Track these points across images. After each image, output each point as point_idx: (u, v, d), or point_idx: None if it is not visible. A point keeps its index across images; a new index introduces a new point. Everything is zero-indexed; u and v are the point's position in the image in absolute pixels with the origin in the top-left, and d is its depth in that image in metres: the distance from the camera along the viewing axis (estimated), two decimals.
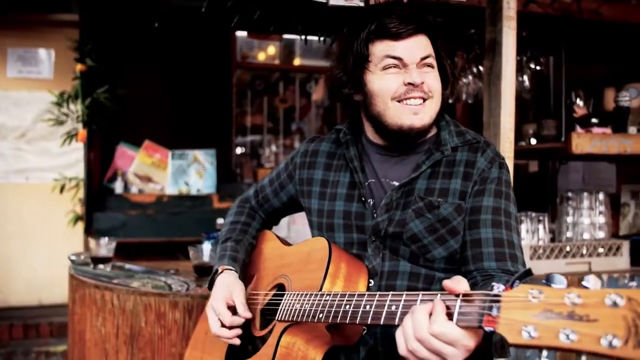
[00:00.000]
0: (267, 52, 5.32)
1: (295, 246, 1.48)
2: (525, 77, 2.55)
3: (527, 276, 0.86)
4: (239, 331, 1.37)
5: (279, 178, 1.61)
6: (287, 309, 1.27)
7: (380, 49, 1.31)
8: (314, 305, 1.19)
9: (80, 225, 4.09)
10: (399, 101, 1.30)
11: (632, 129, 2.49)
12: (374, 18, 1.33)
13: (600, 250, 2.50)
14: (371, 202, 1.38)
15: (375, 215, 1.36)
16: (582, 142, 2.30)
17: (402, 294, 1.01)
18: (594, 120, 2.39)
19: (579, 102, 2.56)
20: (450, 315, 0.90)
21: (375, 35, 1.32)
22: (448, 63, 1.38)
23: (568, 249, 2.44)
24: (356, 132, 1.48)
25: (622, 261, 2.53)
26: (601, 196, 2.62)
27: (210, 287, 1.52)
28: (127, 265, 2.46)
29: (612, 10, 2.36)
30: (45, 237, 4.58)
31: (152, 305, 2.03)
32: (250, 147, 5.18)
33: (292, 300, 1.27)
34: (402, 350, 0.94)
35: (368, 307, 1.06)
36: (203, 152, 4.21)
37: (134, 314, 2.05)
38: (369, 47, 1.32)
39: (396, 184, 1.37)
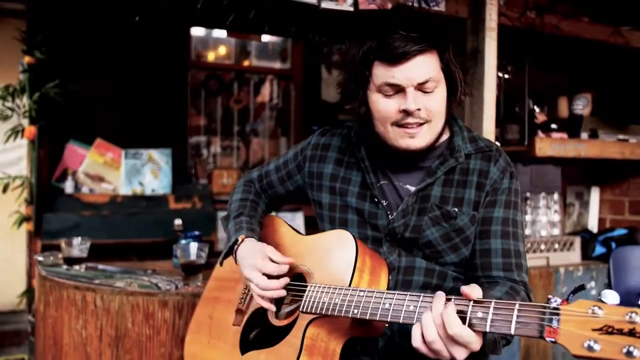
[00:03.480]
0: (219, 52, 5.26)
1: (313, 237, 1.46)
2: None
3: (579, 290, 0.94)
4: (287, 279, 1.36)
5: (286, 167, 1.60)
6: (313, 302, 1.28)
7: (380, 73, 1.29)
8: (347, 301, 1.21)
9: (24, 228, 3.86)
10: (398, 126, 1.31)
11: (584, 135, 2.73)
12: (376, 34, 1.28)
13: (556, 246, 2.72)
14: (384, 203, 1.40)
15: (389, 215, 1.39)
16: (544, 146, 2.49)
17: (452, 298, 1.06)
18: (553, 125, 2.59)
19: (536, 109, 2.77)
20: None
21: (374, 56, 1.28)
22: (458, 74, 1.34)
23: (529, 245, 2.64)
24: (367, 133, 1.46)
25: (574, 255, 2.77)
26: (555, 196, 2.85)
27: (223, 260, 1.49)
28: (101, 266, 2.38)
29: (569, 26, 2.58)
30: None
31: (139, 305, 1.98)
32: (204, 148, 5.11)
33: (318, 293, 1.28)
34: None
35: (412, 306, 1.10)
36: (158, 151, 4.10)
37: (119, 314, 1.99)
38: (370, 68, 1.30)
39: (409, 187, 1.40)
